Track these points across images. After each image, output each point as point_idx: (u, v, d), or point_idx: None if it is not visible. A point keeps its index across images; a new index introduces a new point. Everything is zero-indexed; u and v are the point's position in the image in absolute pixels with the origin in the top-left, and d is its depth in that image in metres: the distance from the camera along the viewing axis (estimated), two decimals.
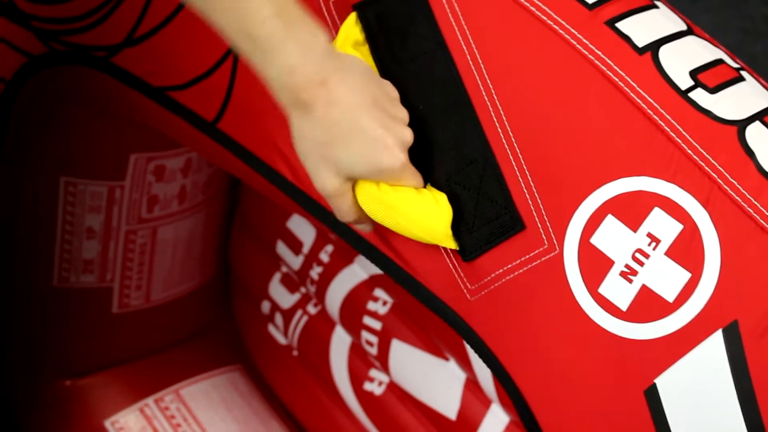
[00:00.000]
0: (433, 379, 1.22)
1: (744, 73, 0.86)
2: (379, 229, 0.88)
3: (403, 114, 0.83)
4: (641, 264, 0.79)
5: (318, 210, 0.93)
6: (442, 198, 0.84)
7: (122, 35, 1.01)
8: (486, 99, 0.85)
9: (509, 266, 0.84)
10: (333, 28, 0.89)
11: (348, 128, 0.79)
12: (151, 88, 1.02)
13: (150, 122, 1.09)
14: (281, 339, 1.42)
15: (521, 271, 0.83)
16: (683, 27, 0.88)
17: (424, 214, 0.84)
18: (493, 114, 0.84)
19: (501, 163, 0.84)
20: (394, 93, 0.84)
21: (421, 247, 0.87)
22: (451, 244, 0.85)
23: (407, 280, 0.89)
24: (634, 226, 0.80)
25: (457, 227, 0.85)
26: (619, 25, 0.85)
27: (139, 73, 1.02)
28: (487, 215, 0.84)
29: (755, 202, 0.79)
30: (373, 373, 1.30)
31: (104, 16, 1.01)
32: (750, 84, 0.85)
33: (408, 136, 0.82)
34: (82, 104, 1.15)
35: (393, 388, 1.28)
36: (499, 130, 0.84)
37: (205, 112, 0.99)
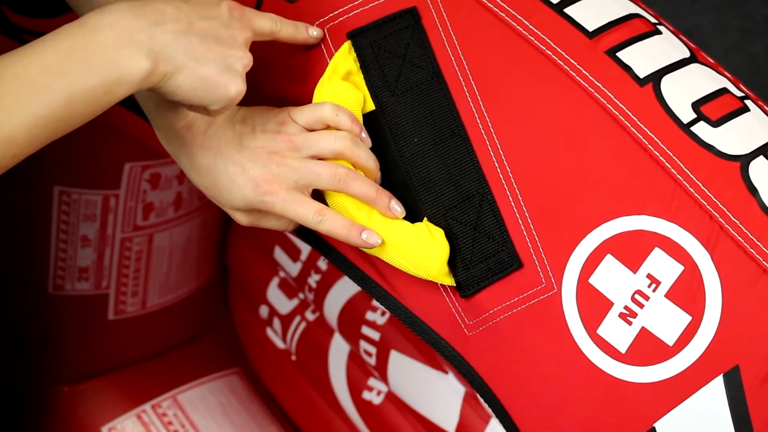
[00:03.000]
0: (432, 391, 1.21)
1: (748, 102, 0.84)
2: (375, 262, 0.87)
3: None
4: (641, 306, 0.78)
5: (305, 233, 0.92)
6: (438, 233, 0.82)
7: None
8: (483, 132, 0.83)
9: (507, 304, 0.82)
10: (328, 55, 0.87)
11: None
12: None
13: (140, 135, 1.07)
14: (280, 343, 1.41)
15: (519, 309, 0.82)
16: (686, 54, 0.85)
17: (418, 250, 0.82)
18: (490, 147, 0.83)
19: (498, 198, 0.82)
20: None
21: (418, 281, 0.85)
22: (447, 281, 0.83)
23: (403, 312, 0.87)
24: (633, 266, 0.78)
25: (453, 263, 0.83)
26: (621, 54, 0.83)
27: None
28: (484, 252, 0.82)
29: (758, 243, 0.77)
30: (372, 382, 1.29)
31: None
32: (754, 115, 0.83)
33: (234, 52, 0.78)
34: None
35: (392, 398, 1.27)
36: (496, 165, 0.82)
37: None
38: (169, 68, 0.75)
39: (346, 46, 0.85)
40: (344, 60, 0.85)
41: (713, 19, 1.94)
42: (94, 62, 0.72)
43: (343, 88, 0.84)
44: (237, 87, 0.78)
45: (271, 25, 0.83)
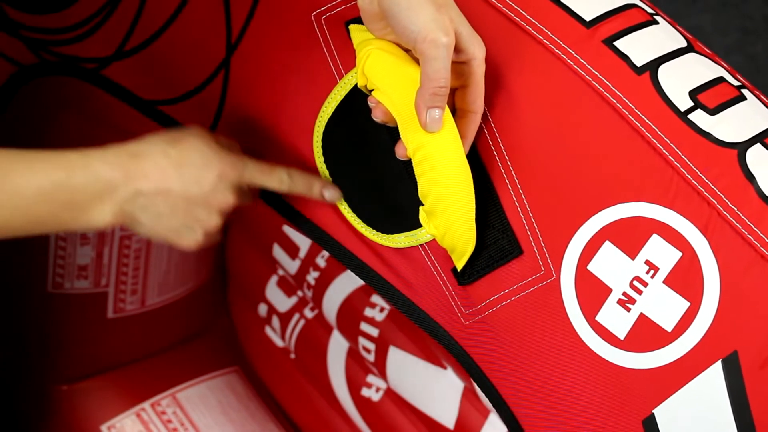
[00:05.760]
0: (431, 387, 1.21)
1: (745, 91, 0.84)
2: (376, 248, 0.87)
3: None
4: (639, 292, 0.78)
5: (307, 226, 0.92)
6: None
7: (112, 48, 0.99)
8: (481, 121, 0.83)
9: (505, 292, 0.82)
10: (326, 47, 0.87)
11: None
12: (142, 101, 1.01)
13: (137, 131, 1.07)
14: (278, 341, 1.41)
15: (518, 296, 0.82)
16: (683, 44, 0.86)
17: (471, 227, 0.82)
18: (488, 137, 0.83)
19: (498, 187, 0.82)
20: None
21: (417, 270, 0.86)
22: (461, 263, 0.83)
23: (401, 300, 0.87)
24: (632, 253, 0.78)
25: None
26: (618, 43, 0.83)
27: (129, 86, 1.01)
28: (484, 240, 0.82)
29: (755, 229, 0.77)
30: (371, 378, 1.29)
31: (93, 27, 0.99)
32: (751, 103, 0.83)
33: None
34: (75, 113, 1.13)
35: (391, 394, 1.27)
36: (495, 154, 0.83)
37: None
38: (130, 222, 0.83)
39: (362, 54, 0.82)
40: (361, 36, 0.82)
41: (713, 19, 1.95)
42: (68, 204, 0.80)
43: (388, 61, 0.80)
44: (189, 243, 0.86)
45: (277, 184, 0.88)
